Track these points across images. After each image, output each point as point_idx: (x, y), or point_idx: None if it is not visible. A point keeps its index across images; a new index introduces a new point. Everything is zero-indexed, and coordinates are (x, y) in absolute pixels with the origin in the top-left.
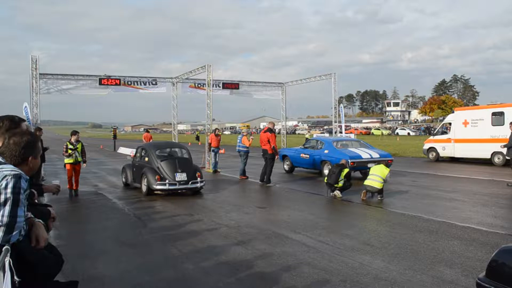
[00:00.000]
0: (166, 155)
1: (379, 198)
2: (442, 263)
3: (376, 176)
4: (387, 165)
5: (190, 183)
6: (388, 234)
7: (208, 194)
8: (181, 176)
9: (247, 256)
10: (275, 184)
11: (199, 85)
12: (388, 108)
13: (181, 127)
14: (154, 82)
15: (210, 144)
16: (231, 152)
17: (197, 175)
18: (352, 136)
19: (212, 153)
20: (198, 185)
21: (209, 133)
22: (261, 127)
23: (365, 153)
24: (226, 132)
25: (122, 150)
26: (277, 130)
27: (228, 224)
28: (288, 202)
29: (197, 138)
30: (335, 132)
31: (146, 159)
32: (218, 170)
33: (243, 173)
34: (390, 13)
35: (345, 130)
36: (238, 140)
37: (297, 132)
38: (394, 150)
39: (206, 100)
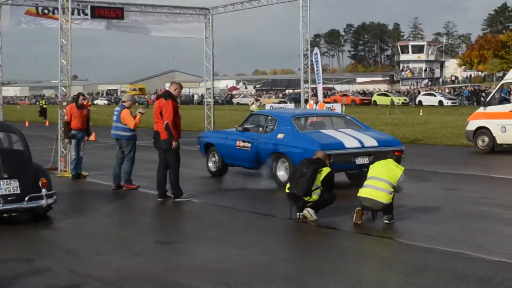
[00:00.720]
0: None
1: (385, 220)
2: None
3: (379, 182)
4: (397, 160)
5: (26, 199)
6: None
7: (64, 220)
8: (7, 187)
9: None
10: (190, 198)
11: (46, 11)
12: (403, 57)
13: (10, 91)
14: None
15: (67, 123)
16: (107, 140)
17: (40, 183)
18: (337, 108)
19: (73, 142)
20: (43, 202)
21: (65, 103)
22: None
23: (351, 139)
24: (100, 102)
25: None
26: (196, 97)
27: (102, 277)
28: (217, 232)
29: (42, 112)
30: (306, 102)
31: None
32: (83, 173)
33: (129, 178)
34: None
35: (326, 97)
36: (115, 118)
37: (235, 100)
38: (413, 133)
39: (60, 40)
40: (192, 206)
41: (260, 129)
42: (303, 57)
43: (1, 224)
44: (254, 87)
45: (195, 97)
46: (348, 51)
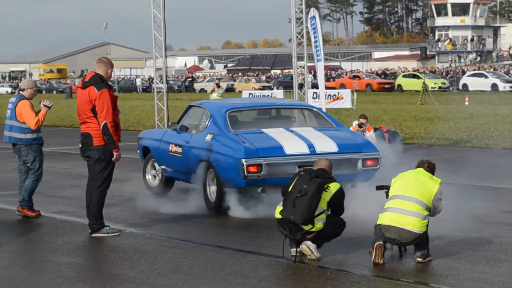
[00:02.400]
0: None
1: (418, 258)
2: None
3: (407, 203)
4: (365, 170)
5: None
6: None
7: None
8: None
9: None
10: (116, 233)
11: None
12: (439, 21)
13: None
14: None
15: None
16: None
17: None
18: (346, 97)
19: None
20: None
21: None
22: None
23: (297, 142)
24: (1, 90)
25: None
26: (140, 82)
27: None
28: (178, 278)
29: None
30: (300, 87)
31: None
32: None
33: (28, 199)
34: None
35: (329, 80)
36: (9, 113)
37: (198, 86)
38: (455, 131)
39: None
40: (133, 240)
41: (194, 127)
42: (295, 23)
43: None
44: (225, 67)
45: (139, 82)
46: (360, 13)
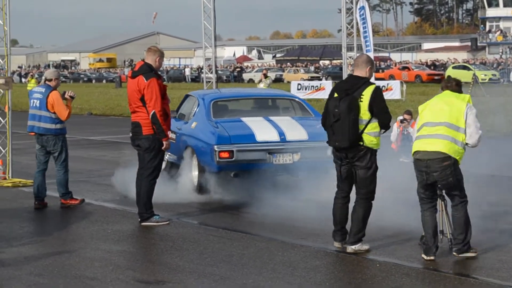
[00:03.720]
0: None
1: (454, 253)
2: None
3: (438, 128)
4: None
5: None
6: None
7: None
8: None
9: None
10: (166, 222)
11: None
12: (490, 12)
13: None
14: None
15: None
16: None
17: None
18: (395, 88)
19: None
20: None
21: (2, 81)
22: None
23: (270, 130)
24: None
25: None
26: (189, 72)
27: None
28: (227, 267)
29: None
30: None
31: None
32: (8, 182)
33: (67, 191)
34: None
35: (378, 71)
36: (37, 103)
37: (246, 76)
38: (507, 124)
39: None
40: (182, 229)
41: (187, 115)
42: (345, 13)
43: None
44: (274, 57)
45: (188, 72)
46: (410, 3)
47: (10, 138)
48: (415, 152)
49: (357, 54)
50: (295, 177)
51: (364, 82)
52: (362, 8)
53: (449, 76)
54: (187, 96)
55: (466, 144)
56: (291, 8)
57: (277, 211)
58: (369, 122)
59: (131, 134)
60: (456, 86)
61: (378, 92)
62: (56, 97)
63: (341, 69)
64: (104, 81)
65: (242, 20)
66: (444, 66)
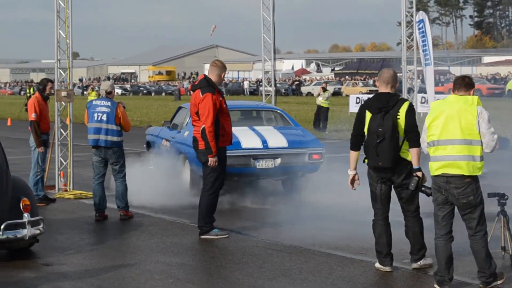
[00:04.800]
0: None
1: (481, 285)
2: None
3: (452, 147)
4: (312, 163)
5: (2, 228)
6: None
7: (56, 260)
8: None
9: None
10: (225, 235)
11: None
12: None
13: None
14: None
15: (38, 124)
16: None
17: (21, 206)
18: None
19: (34, 152)
20: (25, 233)
21: (64, 93)
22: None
23: (253, 138)
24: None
25: None
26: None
27: None
28: (287, 282)
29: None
30: (409, 92)
31: None
32: (53, 195)
33: (126, 201)
34: None
35: (437, 85)
36: (104, 116)
37: (305, 89)
38: None
39: (57, 2)
40: (241, 243)
41: (180, 125)
42: (405, 26)
43: None
44: (332, 70)
45: (246, 85)
46: (470, 16)
47: (71, 150)
48: (434, 178)
49: (417, 68)
50: (276, 180)
51: (398, 99)
52: (421, 21)
53: (458, 76)
54: (180, 108)
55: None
56: (350, 21)
57: (335, 225)
58: (404, 139)
59: (193, 147)
60: (465, 87)
61: (412, 108)
62: (123, 110)
63: (400, 82)
64: (163, 93)
65: (300, 33)
66: (504, 80)
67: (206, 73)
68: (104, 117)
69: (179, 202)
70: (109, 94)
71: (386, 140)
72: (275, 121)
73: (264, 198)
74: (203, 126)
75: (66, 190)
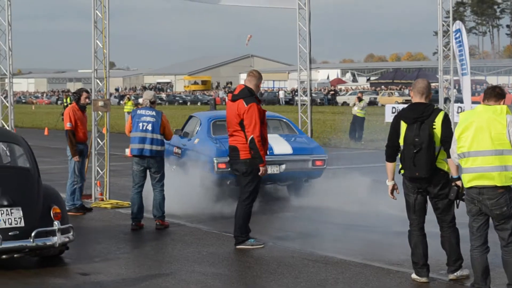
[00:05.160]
0: None
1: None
2: None
3: (483, 159)
4: (315, 169)
5: (33, 235)
6: None
7: (87, 268)
8: (7, 218)
9: None
10: (260, 245)
11: None
12: None
13: (21, 84)
14: None
15: (73, 134)
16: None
17: (52, 214)
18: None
19: (71, 161)
20: (55, 240)
21: (101, 103)
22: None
23: None
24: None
25: None
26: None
27: None
28: None
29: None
30: (445, 102)
31: None
32: (90, 204)
33: (163, 211)
34: None
35: (474, 95)
36: (149, 126)
37: (340, 99)
38: None
39: (94, 12)
40: (277, 253)
41: (191, 133)
42: (441, 36)
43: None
44: (368, 80)
45: (282, 94)
46: (507, 26)
47: (108, 159)
48: (467, 190)
49: (454, 78)
50: (282, 185)
51: (433, 108)
52: (458, 30)
53: (488, 86)
54: (190, 117)
55: None
56: (386, 30)
57: (369, 235)
58: (440, 149)
59: (228, 158)
60: (495, 97)
61: (448, 118)
62: (167, 120)
63: (436, 92)
64: (198, 103)
65: (336, 42)
66: None
67: (242, 83)
68: (149, 127)
69: (210, 211)
70: (153, 104)
71: (422, 150)
72: (281, 129)
73: (293, 207)
74: (252, 136)
75: (102, 200)
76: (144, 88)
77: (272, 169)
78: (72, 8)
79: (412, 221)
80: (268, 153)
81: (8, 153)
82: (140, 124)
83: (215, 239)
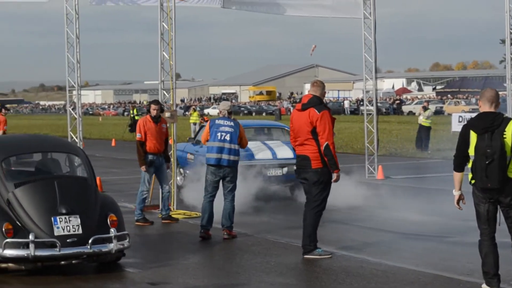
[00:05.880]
0: (29, 172)
1: None
2: None
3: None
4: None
5: (90, 242)
6: None
7: (144, 273)
8: (66, 226)
9: None
10: (328, 256)
11: None
12: None
13: (88, 96)
14: None
15: (141, 144)
16: None
17: (108, 221)
18: None
19: (142, 172)
20: (112, 247)
21: (168, 114)
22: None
23: (265, 151)
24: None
25: None
26: (347, 104)
27: None
28: None
29: (134, 126)
30: None
31: None
32: (174, 214)
33: (232, 220)
34: None
35: None
36: (228, 136)
37: (406, 108)
38: None
39: (160, 24)
40: (345, 263)
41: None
42: (509, 44)
43: (59, 274)
44: (434, 89)
45: (347, 104)
46: None
47: (175, 170)
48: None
49: None
50: (285, 186)
51: (503, 117)
52: None
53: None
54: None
55: None
56: (451, 39)
57: (438, 245)
58: (511, 158)
59: (296, 167)
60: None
61: None
62: (243, 130)
63: (504, 100)
64: (263, 113)
65: (401, 51)
66: None
67: (306, 93)
68: (228, 137)
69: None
70: (230, 114)
71: (495, 161)
72: (283, 136)
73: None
74: (327, 142)
75: (170, 210)
76: (209, 99)
77: (275, 172)
78: (139, 20)
79: (483, 230)
80: (272, 157)
81: (67, 163)
82: (219, 134)
83: (282, 249)
